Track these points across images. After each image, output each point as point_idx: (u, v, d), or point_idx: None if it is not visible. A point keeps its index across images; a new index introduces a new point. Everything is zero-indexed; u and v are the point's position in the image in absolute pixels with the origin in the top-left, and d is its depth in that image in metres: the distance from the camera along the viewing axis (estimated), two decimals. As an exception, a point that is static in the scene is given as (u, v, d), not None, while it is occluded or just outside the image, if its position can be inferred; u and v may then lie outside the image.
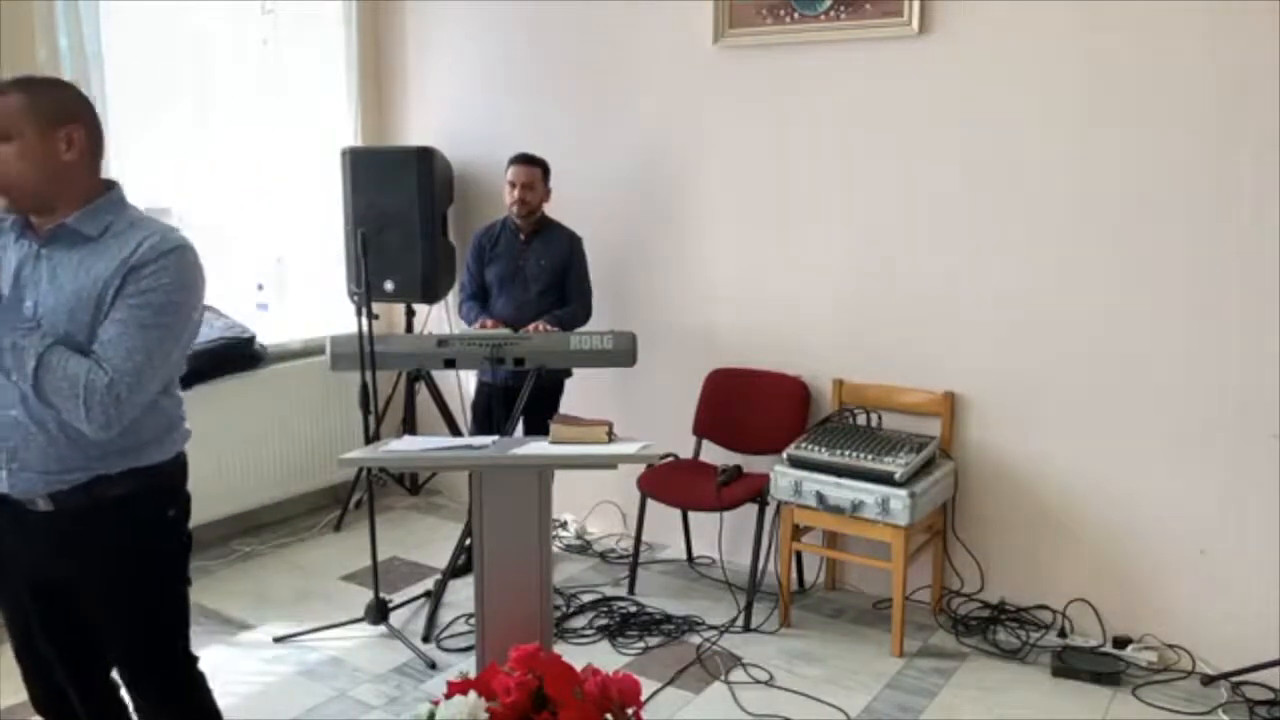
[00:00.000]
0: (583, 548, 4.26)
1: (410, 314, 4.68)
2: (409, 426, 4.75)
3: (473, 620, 2.97)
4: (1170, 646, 3.25)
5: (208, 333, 3.75)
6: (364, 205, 4.29)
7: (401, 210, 4.29)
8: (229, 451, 4.11)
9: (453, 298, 4.44)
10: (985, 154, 3.41)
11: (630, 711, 2.21)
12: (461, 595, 3.61)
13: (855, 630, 3.53)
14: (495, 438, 2.86)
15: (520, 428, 3.69)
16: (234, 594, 3.76)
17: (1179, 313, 3.16)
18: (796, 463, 3.43)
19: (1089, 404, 3.34)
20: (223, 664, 3.19)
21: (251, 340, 4.07)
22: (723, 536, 3.93)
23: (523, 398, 3.65)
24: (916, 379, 3.62)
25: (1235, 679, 3.07)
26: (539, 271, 3.89)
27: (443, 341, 3.56)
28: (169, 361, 1.87)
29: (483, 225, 4.07)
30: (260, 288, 4.47)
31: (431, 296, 4.47)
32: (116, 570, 1.94)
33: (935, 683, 3.17)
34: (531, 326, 3.70)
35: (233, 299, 4.14)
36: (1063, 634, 3.39)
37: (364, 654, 3.35)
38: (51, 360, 1.76)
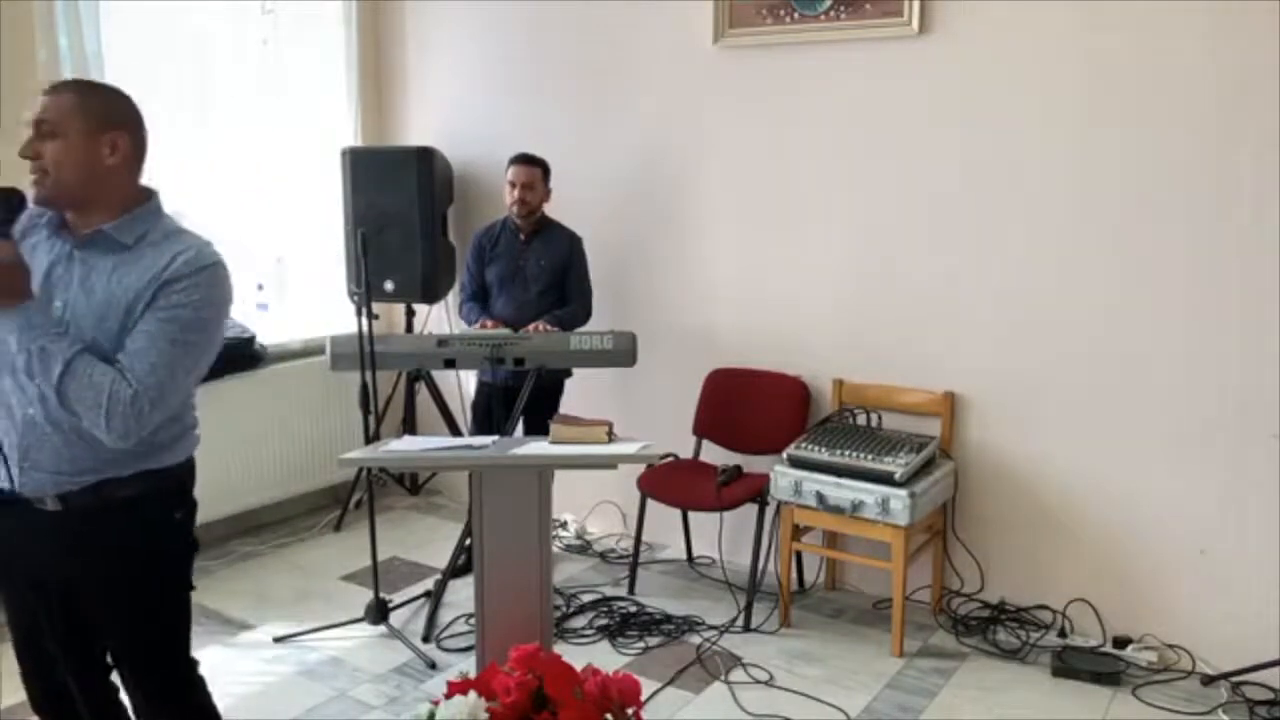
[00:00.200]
0: (583, 548, 4.26)
1: (410, 314, 4.68)
2: (409, 426, 4.75)
3: (473, 620, 2.97)
4: (1170, 646, 3.25)
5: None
6: (364, 205, 4.30)
7: (401, 210, 4.29)
8: (229, 451, 4.11)
9: (453, 298, 4.44)
10: (985, 154, 3.41)
11: (630, 711, 2.20)
12: (461, 595, 3.61)
13: (855, 630, 3.53)
14: (495, 438, 2.86)
15: (520, 428, 3.69)
16: (234, 594, 3.76)
17: (1179, 313, 3.16)
18: (796, 463, 3.43)
19: (1089, 404, 3.34)
20: (223, 664, 3.19)
21: (251, 340, 4.08)
22: (723, 536, 3.93)
23: (523, 398, 3.65)
24: (916, 379, 3.62)
25: (1235, 679, 3.07)
26: (539, 271, 3.89)
27: (443, 341, 3.56)
28: (192, 377, 1.89)
29: (483, 225, 4.07)
30: (260, 288, 4.47)
31: (431, 296, 4.47)
32: (121, 570, 1.94)
33: (935, 683, 3.17)
34: (531, 326, 3.70)
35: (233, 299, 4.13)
36: (1063, 634, 3.39)
37: (364, 654, 3.35)
38: (78, 368, 1.76)
